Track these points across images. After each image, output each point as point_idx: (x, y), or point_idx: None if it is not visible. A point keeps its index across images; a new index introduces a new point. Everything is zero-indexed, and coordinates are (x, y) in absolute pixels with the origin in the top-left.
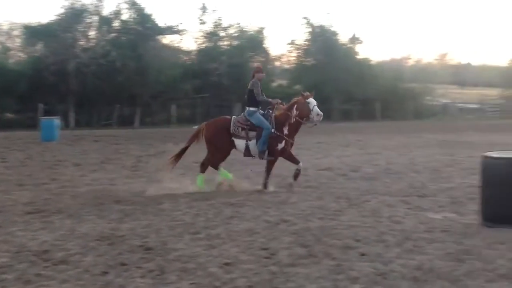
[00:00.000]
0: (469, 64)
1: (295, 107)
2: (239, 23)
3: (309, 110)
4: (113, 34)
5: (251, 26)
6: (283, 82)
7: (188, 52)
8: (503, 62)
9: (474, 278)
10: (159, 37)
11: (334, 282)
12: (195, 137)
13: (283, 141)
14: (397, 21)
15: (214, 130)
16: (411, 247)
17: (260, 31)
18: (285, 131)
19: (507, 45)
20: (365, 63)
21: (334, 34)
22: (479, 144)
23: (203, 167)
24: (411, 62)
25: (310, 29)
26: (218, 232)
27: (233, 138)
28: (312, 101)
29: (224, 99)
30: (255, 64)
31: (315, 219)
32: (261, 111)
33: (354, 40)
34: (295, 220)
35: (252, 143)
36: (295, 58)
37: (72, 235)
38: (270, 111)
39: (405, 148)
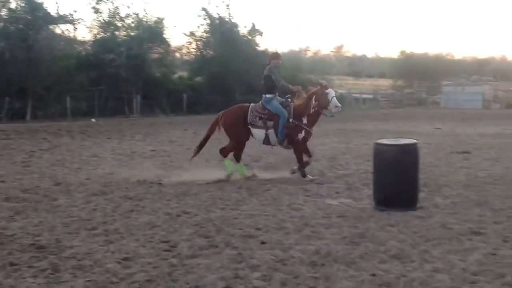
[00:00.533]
0: (364, 55)
1: (314, 97)
2: (137, 13)
3: (328, 101)
4: (0, 24)
5: (150, 17)
6: (184, 73)
7: (83, 43)
8: (394, 54)
9: (368, 260)
10: (51, 26)
11: (234, 271)
12: (214, 126)
13: (303, 131)
14: (296, 14)
15: (231, 119)
16: (309, 233)
17: (159, 22)
18: (304, 120)
19: (397, 37)
20: (264, 54)
21: (234, 25)
22: (373, 132)
23: (224, 153)
24: (309, 54)
25: (209, 21)
26: (116, 227)
27: (250, 127)
28: (331, 92)
29: (123, 91)
30: (272, 50)
31: (216, 210)
32: (279, 98)
33: (254, 31)
34: (196, 211)
35: (272, 132)
36: (195, 49)
37: None
38: (289, 100)
39: None
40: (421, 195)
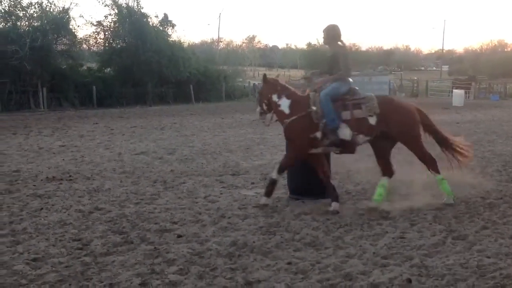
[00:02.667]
0: (275, 46)
1: None
2: (40, 3)
3: None
4: None
5: (54, 7)
6: (93, 65)
7: None
8: (302, 45)
9: (283, 249)
10: None
11: (150, 266)
12: None
13: None
14: (207, 4)
15: None
16: (226, 225)
17: (64, 12)
18: None
19: (308, 28)
20: (177, 45)
21: (144, 16)
22: None
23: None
24: (221, 45)
25: (116, 10)
26: (24, 226)
27: None
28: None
29: (28, 84)
30: None
31: (131, 205)
32: None
33: (166, 22)
34: (109, 207)
35: None
36: (103, 40)
37: None
38: None
39: (219, 128)
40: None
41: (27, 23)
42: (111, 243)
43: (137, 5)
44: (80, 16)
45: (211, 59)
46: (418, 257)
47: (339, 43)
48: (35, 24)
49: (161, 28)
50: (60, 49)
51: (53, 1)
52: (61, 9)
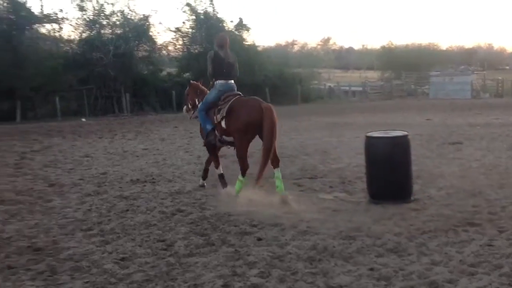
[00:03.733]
0: (351, 48)
1: None
2: (122, 11)
3: None
4: None
5: (135, 14)
6: (172, 70)
7: (69, 42)
8: (378, 46)
9: (365, 254)
10: (36, 26)
11: (232, 268)
12: None
13: None
14: (281, 7)
15: None
16: (305, 228)
17: (145, 19)
18: None
19: (385, 29)
20: (252, 49)
21: (220, 21)
22: (364, 124)
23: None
24: (296, 48)
25: (194, 16)
26: (112, 227)
27: None
28: None
29: (112, 89)
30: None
31: (210, 207)
32: None
33: (241, 26)
34: (191, 209)
35: None
36: (181, 46)
37: None
38: None
39: (295, 131)
40: (415, 187)
41: (110, 30)
42: (193, 244)
43: (213, 10)
44: (159, 23)
45: (285, 62)
46: (507, 266)
47: (219, 51)
48: (118, 31)
49: (236, 32)
50: (141, 56)
51: (134, 9)
52: (141, 16)
